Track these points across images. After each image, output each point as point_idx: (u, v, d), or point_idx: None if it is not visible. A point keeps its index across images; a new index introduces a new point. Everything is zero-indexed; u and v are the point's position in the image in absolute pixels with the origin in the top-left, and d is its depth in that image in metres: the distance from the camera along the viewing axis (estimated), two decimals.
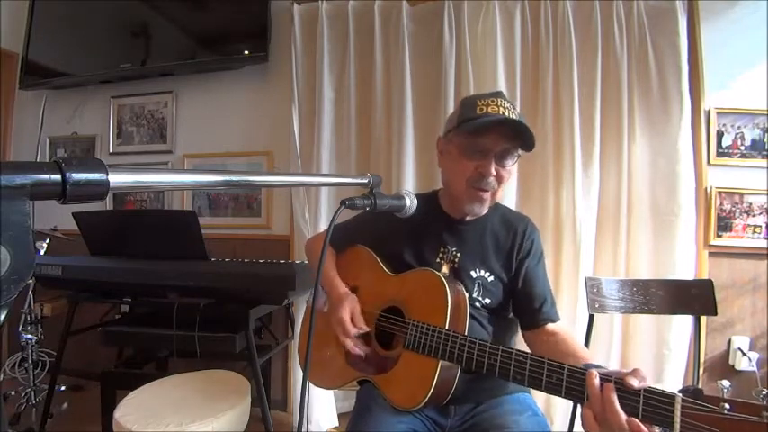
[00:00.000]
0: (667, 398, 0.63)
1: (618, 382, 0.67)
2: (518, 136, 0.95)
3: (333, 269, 1.15)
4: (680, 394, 0.63)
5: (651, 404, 0.64)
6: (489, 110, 0.95)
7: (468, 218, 1.06)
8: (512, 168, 1.00)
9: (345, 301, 1.03)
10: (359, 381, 1.07)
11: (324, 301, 1.15)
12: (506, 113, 0.95)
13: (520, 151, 0.98)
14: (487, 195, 0.99)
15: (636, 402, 0.65)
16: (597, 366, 0.76)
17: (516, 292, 1.04)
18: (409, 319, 0.97)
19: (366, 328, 1.02)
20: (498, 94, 0.99)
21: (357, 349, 1.00)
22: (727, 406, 0.60)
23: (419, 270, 1.02)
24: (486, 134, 0.94)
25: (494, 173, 0.96)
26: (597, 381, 0.68)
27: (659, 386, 0.66)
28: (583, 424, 0.69)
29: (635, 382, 0.65)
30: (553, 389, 0.75)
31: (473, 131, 0.94)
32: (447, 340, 0.89)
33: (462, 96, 1.88)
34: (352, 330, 1.00)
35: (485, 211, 1.04)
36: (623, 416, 0.65)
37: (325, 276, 1.13)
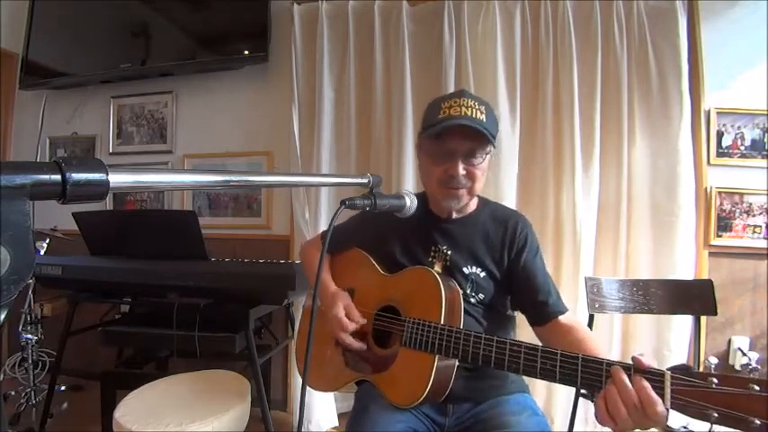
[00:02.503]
0: (657, 375, 0.66)
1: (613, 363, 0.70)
2: (480, 134, 0.94)
3: (326, 270, 1.16)
4: (668, 371, 0.65)
5: None
6: (452, 111, 0.95)
7: (455, 216, 1.07)
8: (484, 164, 0.99)
9: (338, 299, 1.05)
10: (357, 381, 1.07)
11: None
12: (469, 112, 0.94)
13: (489, 147, 0.97)
14: (461, 192, 1.00)
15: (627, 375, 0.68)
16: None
17: (518, 287, 1.04)
18: (405, 317, 0.98)
19: (363, 320, 1.02)
20: (461, 93, 0.99)
21: (355, 344, 1.00)
22: (715, 380, 0.61)
23: (413, 269, 1.03)
24: (449, 137, 0.95)
25: (462, 172, 0.97)
26: (624, 375, 0.68)
27: None
28: (597, 415, 0.70)
29: (645, 360, 0.68)
30: (547, 375, 0.77)
31: (435, 137, 0.96)
32: (443, 335, 0.90)
33: None
34: (350, 326, 1.00)
35: (463, 205, 1.04)
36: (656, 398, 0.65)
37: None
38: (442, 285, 0.94)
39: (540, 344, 0.82)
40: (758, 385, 0.58)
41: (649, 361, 0.68)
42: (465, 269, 1.03)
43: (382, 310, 1.04)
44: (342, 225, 1.20)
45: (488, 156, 0.99)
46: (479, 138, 0.95)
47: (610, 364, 0.71)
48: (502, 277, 1.04)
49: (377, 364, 1.00)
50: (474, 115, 0.95)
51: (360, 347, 1.01)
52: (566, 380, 0.75)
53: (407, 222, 0.94)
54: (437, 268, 1.03)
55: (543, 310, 1.00)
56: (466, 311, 0.96)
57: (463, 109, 0.95)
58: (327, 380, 1.11)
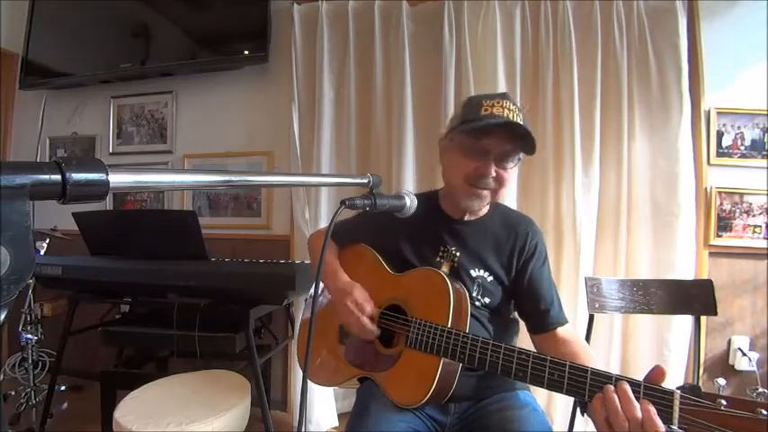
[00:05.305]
0: (666, 393, 0.66)
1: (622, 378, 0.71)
2: (520, 138, 0.94)
3: (335, 263, 1.15)
4: (678, 390, 0.66)
5: (651, 400, 0.67)
6: (494, 110, 0.94)
7: (467, 218, 1.06)
8: (512, 170, 0.99)
9: (355, 286, 1.04)
10: (359, 378, 1.07)
11: (326, 301, 1.15)
12: (511, 116, 0.94)
13: (521, 155, 0.97)
14: (486, 193, 0.99)
15: (636, 393, 0.68)
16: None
17: (521, 294, 1.04)
18: (411, 317, 0.97)
19: (377, 311, 1.01)
20: (504, 96, 0.98)
21: (372, 327, 0.98)
22: (723, 402, 0.62)
23: (421, 269, 1.03)
24: (487, 136, 0.94)
25: (493, 174, 0.96)
26: (630, 390, 0.69)
27: None
28: (596, 425, 0.72)
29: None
30: (555, 386, 0.77)
31: (475, 132, 0.94)
32: (449, 338, 0.89)
33: (462, 96, 1.90)
34: (369, 309, 0.99)
35: (482, 207, 1.04)
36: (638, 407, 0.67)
37: (328, 270, 1.13)
38: (450, 288, 0.94)
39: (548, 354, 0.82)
40: (765, 410, 0.60)
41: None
42: (472, 272, 1.03)
43: (388, 308, 1.03)
44: (351, 219, 1.19)
45: (520, 162, 0.99)
46: (516, 143, 0.95)
47: (618, 379, 0.71)
48: (509, 282, 1.04)
49: (380, 361, 1.00)
50: (515, 119, 0.94)
51: (376, 332, 0.99)
52: (573, 391, 0.75)
53: (417, 221, 0.93)
54: (444, 269, 1.02)
55: (544, 320, 1.01)
56: (471, 314, 0.96)
57: (506, 111, 0.94)
58: (328, 374, 1.11)
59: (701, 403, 0.63)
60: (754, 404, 0.61)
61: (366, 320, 0.98)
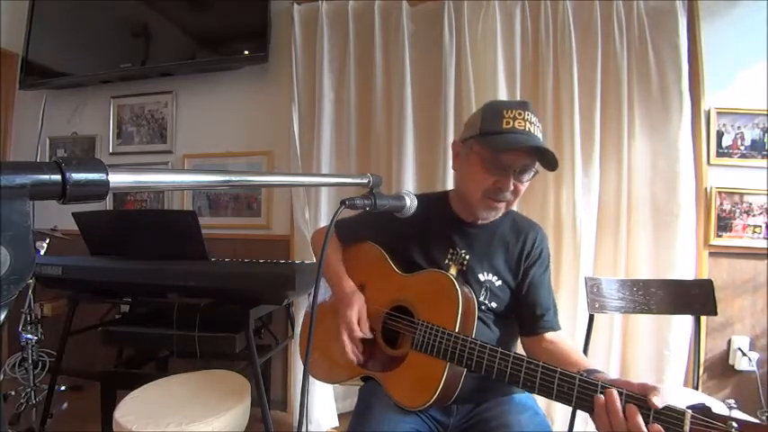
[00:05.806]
0: (677, 413, 0.65)
1: (632, 396, 0.68)
2: (541, 156, 0.94)
3: (339, 263, 1.14)
4: (689, 410, 0.64)
5: (661, 418, 0.66)
6: (516, 124, 0.93)
7: (478, 221, 1.06)
8: (528, 183, 1.00)
9: (354, 301, 1.03)
10: (362, 377, 1.06)
11: (328, 296, 1.15)
12: (532, 129, 0.94)
13: (538, 166, 0.97)
14: (502, 205, 1.00)
15: (646, 417, 0.66)
16: (595, 371, 0.78)
17: (519, 298, 1.04)
18: (418, 319, 0.97)
19: (369, 335, 1.01)
20: (525, 106, 0.96)
21: (356, 354, 1.00)
22: (735, 425, 0.61)
23: (430, 271, 1.02)
24: (509, 151, 0.94)
25: (511, 188, 0.96)
26: (619, 404, 0.68)
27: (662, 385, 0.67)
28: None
29: (658, 402, 0.65)
30: (564, 398, 0.75)
31: (496, 149, 0.94)
32: (457, 344, 0.89)
33: (462, 96, 1.90)
34: (358, 333, 0.99)
35: (498, 216, 1.05)
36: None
37: (331, 270, 1.12)
38: (459, 292, 0.93)
39: (558, 364, 0.80)
40: None
41: (663, 397, 0.67)
42: (481, 276, 1.03)
43: (394, 309, 1.03)
44: (357, 216, 1.18)
45: (536, 174, 0.99)
46: (534, 157, 0.95)
47: (629, 395, 0.69)
48: (515, 287, 1.04)
49: (384, 362, 1.00)
50: (536, 133, 0.95)
51: (357, 360, 1.00)
52: (582, 405, 0.74)
53: (427, 221, 0.93)
54: (452, 271, 1.02)
55: (537, 324, 1.01)
56: (478, 318, 0.96)
57: (528, 124, 0.93)
58: (330, 371, 1.11)
59: (712, 425, 0.62)
60: (765, 428, 0.60)
61: (350, 348, 0.99)
